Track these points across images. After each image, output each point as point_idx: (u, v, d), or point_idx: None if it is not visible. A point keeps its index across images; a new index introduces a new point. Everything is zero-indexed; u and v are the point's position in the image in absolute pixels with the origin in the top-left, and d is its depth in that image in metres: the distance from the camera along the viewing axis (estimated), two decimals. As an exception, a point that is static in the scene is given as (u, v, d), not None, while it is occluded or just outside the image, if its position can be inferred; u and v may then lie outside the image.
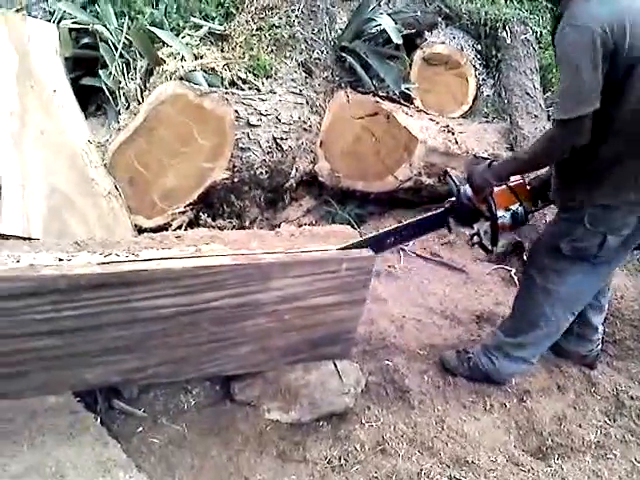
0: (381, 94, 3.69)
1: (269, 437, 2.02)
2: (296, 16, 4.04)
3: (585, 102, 1.77)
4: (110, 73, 3.54)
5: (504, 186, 2.12)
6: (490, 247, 2.14)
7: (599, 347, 2.51)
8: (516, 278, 3.11)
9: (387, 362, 2.38)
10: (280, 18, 3.92)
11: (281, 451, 1.99)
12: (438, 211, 2.24)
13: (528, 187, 2.19)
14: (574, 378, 2.44)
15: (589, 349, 2.49)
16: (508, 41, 4.44)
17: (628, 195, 1.94)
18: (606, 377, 2.44)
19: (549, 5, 5.71)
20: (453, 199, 2.18)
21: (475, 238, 2.18)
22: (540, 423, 2.19)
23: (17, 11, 3.74)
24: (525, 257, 2.95)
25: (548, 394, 2.34)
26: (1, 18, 3.45)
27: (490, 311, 2.81)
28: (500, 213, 2.08)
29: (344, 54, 4.10)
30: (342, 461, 1.97)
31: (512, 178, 2.13)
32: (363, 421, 2.13)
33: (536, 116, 3.72)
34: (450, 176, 2.23)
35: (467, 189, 2.12)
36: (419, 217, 2.28)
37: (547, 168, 2.24)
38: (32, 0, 3.97)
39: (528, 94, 3.90)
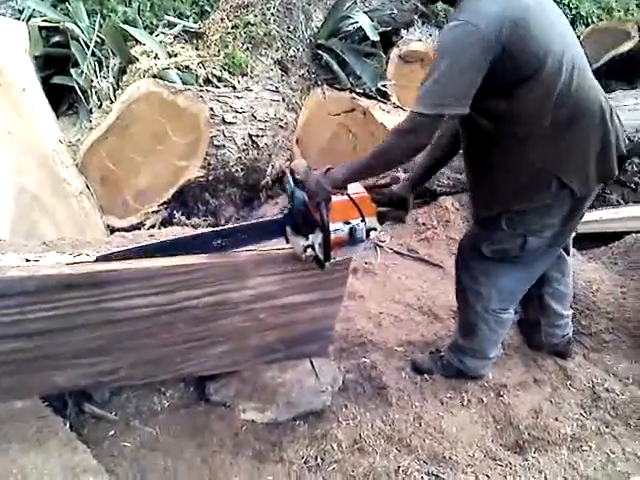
0: (358, 91, 3.67)
1: (245, 438, 1.99)
2: (272, 14, 4.02)
3: (451, 104, 1.67)
4: (82, 72, 3.49)
5: (346, 197, 1.86)
6: (323, 262, 1.86)
7: (569, 332, 2.50)
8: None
9: (364, 359, 2.35)
10: (255, 16, 3.90)
11: (257, 452, 1.95)
12: (274, 217, 2.05)
13: (373, 204, 1.92)
14: (550, 372, 2.44)
15: (560, 336, 2.48)
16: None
17: (543, 199, 1.89)
18: (582, 370, 2.44)
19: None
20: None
21: (309, 250, 1.87)
22: (517, 417, 2.18)
23: (-15, 9, 3.67)
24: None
25: (525, 388, 2.33)
26: (-32, 16, 3.38)
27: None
28: (337, 226, 1.82)
29: (320, 51, 4.10)
30: (319, 460, 1.94)
31: (355, 190, 1.89)
32: (340, 419, 2.10)
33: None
34: (289, 177, 1.94)
35: (303, 194, 1.85)
36: (253, 221, 2.09)
37: (401, 183, 2.12)
38: (0, -2, 3.90)
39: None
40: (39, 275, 1.64)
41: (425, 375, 2.34)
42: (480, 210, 2.08)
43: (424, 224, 3.37)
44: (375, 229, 1.91)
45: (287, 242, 1.94)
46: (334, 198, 1.83)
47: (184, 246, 1.86)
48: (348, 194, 1.86)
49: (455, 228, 3.34)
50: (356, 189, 1.90)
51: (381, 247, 3.21)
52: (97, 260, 1.74)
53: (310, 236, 1.85)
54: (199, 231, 2.04)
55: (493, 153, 1.90)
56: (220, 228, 2.05)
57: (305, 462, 1.93)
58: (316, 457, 1.95)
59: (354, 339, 2.47)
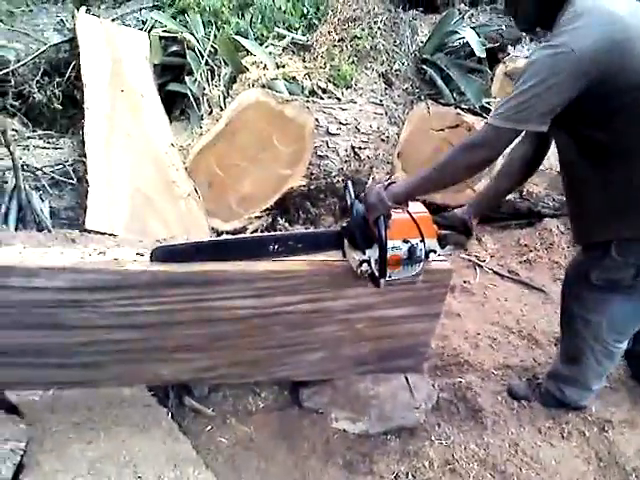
0: (463, 107, 3.62)
1: (336, 446, 2.00)
2: (378, 28, 4.05)
3: (527, 120, 1.60)
4: (195, 80, 3.65)
5: (407, 215, 1.81)
6: (378, 278, 1.80)
7: None
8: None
9: (460, 379, 2.30)
10: (362, 29, 3.94)
11: (347, 462, 1.95)
12: (332, 229, 1.98)
13: (434, 225, 1.88)
14: (660, 411, 2.29)
15: None
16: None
17: None
18: (697, 413, 2.27)
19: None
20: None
21: (365, 265, 1.80)
22: (623, 456, 2.06)
23: (113, 20, 3.93)
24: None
25: (632, 426, 2.19)
26: (99, 26, 3.64)
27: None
28: (396, 243, 1.77)
29: (425, 66, 4.07)
30: (409, 477, 1.91)
31: (417, 209, 1.84)
32: (433, 438, 2.06)
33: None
34: (349, 188, 1.91)
35: (362, 207, 1.81)
36: (311, 231, 2.04)
37: (464, 207, 2.04)
38: (127, 10, 4.16)
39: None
40: (153, 270, 1.73)
41: (522, 401, 2.26)
42: (588, 236, 1.96)
43: (526, 246, 3.27)
44: (435, 251, 1.86)
45: (343, 255, 1.90)
46: (395, 215, 1.78)
47: (242, 247, 1.87)
48: (409, 212, 1.82)
49: (559, 252, 3.22)
50: (418, 208, 1.85)
51: (481, 267, 3.14)
52: (156, 249, 1.77)
53: (367, 251, 1.80)
54: (258, 235, 2.04)
55: (595, 181, 1.80)
56: (279, 234, 2.04)
57: (395, 477, 1.91)
58: (407, 473, 1.92)
59: (450, 358, 2.43)
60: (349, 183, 1.94)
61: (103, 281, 1.69)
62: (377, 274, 1.79)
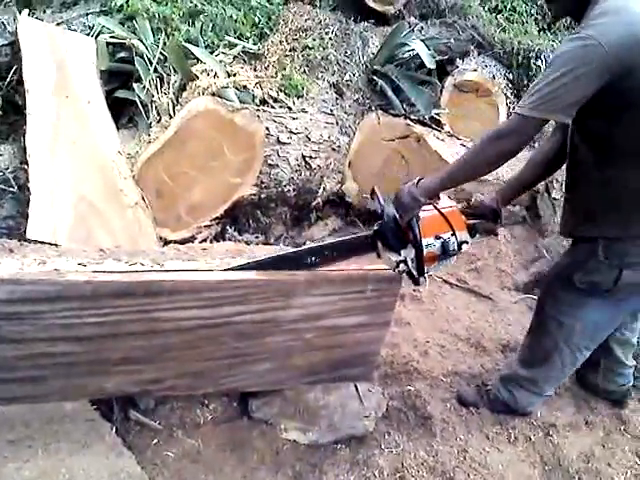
0: (412, 117, 3.67)
1: (285, 457, 1.98)
2: (330, 38, 4.09)
3: (554, 110, 1.64)
4: (144, 87, 3.58)
5: (435, 211, 1.89)
6: (417, 276, 1.88)
7: (629, 383, 2.41)
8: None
9: (409, 387, 2.32)
10: (314, 40, 3.97)
11: (297, 472, 1.94)
12: (365, 233, 2.04)
13: (463, 217, 1.95)
14: (603, 415, 2.35)
15: (618, 385, 2.39)
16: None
17: (637, 228, 1.82)
18: (637, 415, 2.34)
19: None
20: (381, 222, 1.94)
21: (402, 266, 1.89)
22: (567, 459, 2.11)
23: (58, 24, 3.82)
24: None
25: (575, 430, 2.26)
26: (43, 31, 3.53)
27: (517, 341, 2.72)
28: (429, 241, 1.84)
29: (375, 77, 4.12)
30: (359, 486, 1.91)
31: (445, 204, 1.91)
32: (383, 446, 2.07)
33: (569, 145, 3.66)
34: (376, 194, 1.98)
35: (392, 210, 1.88)
36: (344, 237, 2.10)
37: (492, 194, 2.11)
38: (73, 14, 4.06)
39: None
40: (96, 280, 1.68)
41: (471, 408, 2.29)
42: (575, 227, 2.00)
43: (474, 255, 3.32)
44: (467, 242, 1.93)
45: (378, 257, 1.96)
46: (424, 214, 1.84)
47: (279, 263, 1.91)
48: (437, 208, 1.88)
49: (506, 260, 3.29)
50: (445, 203, 1.92)
51: (430, 275, 3.16)
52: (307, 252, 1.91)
53: (402, 251, 1.88)
54: (293, 249, 2.08)
55: (593, 173, 1.84)
56: (313, 245, 2.09)
57: (345, 487, 1.90)
58: (357, 483, 1.92)
59: (399, 366, 2.44)
60: (376, 188, 2.00)
61: (43, 292, 1.62)
62: (415, 274, 1.87)
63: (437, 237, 1.85)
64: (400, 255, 1.88)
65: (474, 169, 1.82)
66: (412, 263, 1.86)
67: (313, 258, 1.91)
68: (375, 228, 1.96)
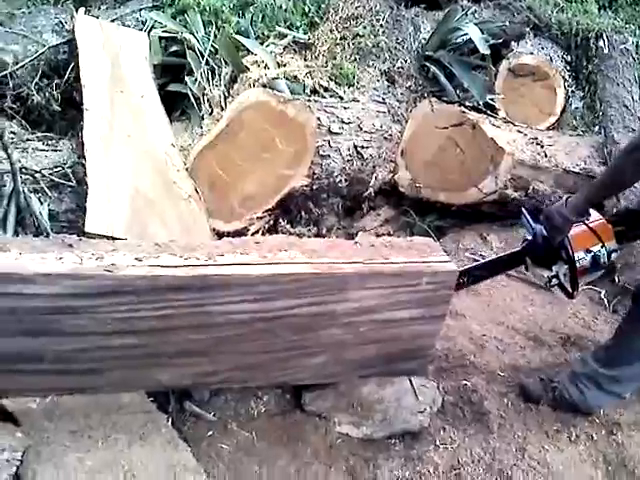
0: (467, 104, 3.58)
1: (339, 451, 1.96)
2: (380, 25, 4.03)
3: None
4: (196, 80, 3.62)
5: (583, 226, 1.97)
6: (571, 291, 2.02)
7: None
8: (606, 300, 2.92)
9: (465, 382, 2.26)
10: (364, 27, 3.92)
11: (351, 467, 1.92)
12: (515, 250, 2.16)
13: (610, 226, 2.02)
14: (671, 413, 2.25)
15: None
16: (605, 51, 4.21)
17: None
18: None
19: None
20: (529, 237, 2.08)
21: (554, 280, 2.04)
22: (632, 460, 2.02)
23: (112, 21, 3.90)
24: (618, 279, 2.78)
25: (640, 428, 2.17)
26: (98, 27, 3.61)
27: (577, 334, 2.64)
28: (580, 255, 1.96)
29: (428, 63, 4.04)
30: (414, 482, 1.88)
31: (592, 217, 1.98)
32: (438, 442, 2.03)
33: (634, 130, 3.49)
34: (525, 215, 2.11)
35: (541, 228, 2.00)
36: (495, 256, 2.26)
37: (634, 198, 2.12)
38: (126, 10, 4.13)
39: (626, 106, 3.68)
40: (151, 275, 1.70)
41: (529, 404, 2.22)
42: None
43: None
44: (616, 251, 2.03)
45: (526, 270, 2.25)
46: (573, 229, 1.94)
47: None
48: (585, 223, 1.97)
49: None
50: (592, 217, 2.00)
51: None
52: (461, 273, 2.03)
53: (553, 267, 2.03)
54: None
55: None
56: (468, 267, 2.20)
57: (399, 482, 1.88)
58: (411, 479, 1.89)
59: (455, 360, 2.38)
60: (524, 210, 2.15)
61: (100, 287, 1.65)
62: (569, 288, 2.03)
63: (588, 251, 1.97)
64: (552, 271, 2.03)
65: (617, 183, 1.93)
66: (564, 277, 2.01)
67: (466, 279, 2.10)
68: (524, 244, 2.13)
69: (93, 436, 1.72)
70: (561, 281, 2.02)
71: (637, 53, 4.49)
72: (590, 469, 2.01)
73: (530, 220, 2.07)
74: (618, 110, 3.68)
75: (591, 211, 1.98)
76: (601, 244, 1.97)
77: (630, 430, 2.16)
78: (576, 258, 1.95)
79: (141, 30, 3.91)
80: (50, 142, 3.11)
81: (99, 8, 4.18)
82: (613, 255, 2.00)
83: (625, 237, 2.12)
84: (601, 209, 2.18)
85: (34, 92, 3.43)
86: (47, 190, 2.76)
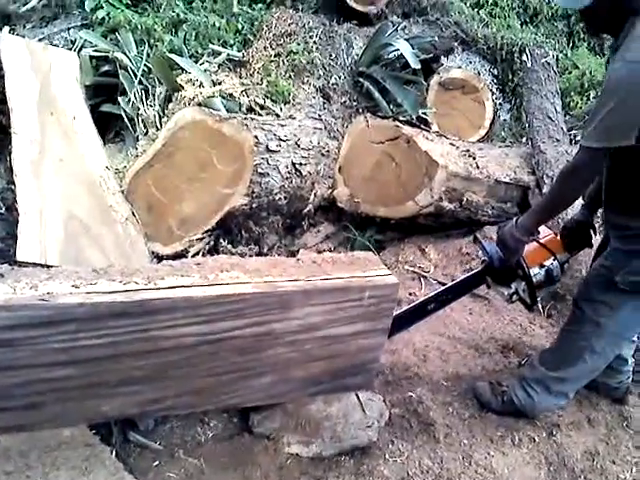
0: (401, 119, 3.66)
1: (290, 472, 1.96)
2: (314, 42, 4.08)
3: (618, 138, 1.73)
4: (129, 100, 3.55)
5: (535, 243, 2.12)
6: (531, 304, 2.18)
7: (629, 379, 2.42)
8: (540, 306, 3.03)
9: (411, 394, 2.30)
10: (298, 44, 3.96)
11: (303, 487, 1.92)
12: (475, 272, 2.30)
13: (559, 238, 2.22)
14: (605, 411, 2.35)
15: (618, 381, 2.40)
16: (529, 64, 4.41)
17: None
18: (639, 411, 2.34)
19: (565, 30, 5.77)
20: (487, 259, 2.22)
21: (514, 297, 2.18)
22: (571, 459, 2.11)
23: (40, 40, 3.79)
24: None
25: (578, 428, 2.26)
26: (24, 47, 3.50)
27: (516, 340, 2.73)
28: (535, 271, 2.11)
29: (361, 79, 4.12)
30: (366, 498, 1.89)
31: (542, 234, 2.13)
32: (387, 456, 2.05)
33: (558, 140, 3.66)
34: (480, 241, 2.26)
35: (497, 250, 2.12)
36: (457, 280, 2.37)
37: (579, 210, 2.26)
38: (54, 29, 4.02)
39: (550, 117, 3.85)
40: (91, 302, 1.65)
41: (474, 410, 2.28)
42: (619, 226, 2.02)
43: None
44: (567, 261, 2.25)
45: (488, 288, 2.32)
46: (525, 248, 2.05)
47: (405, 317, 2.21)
48: (536, 239, 2.11)
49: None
50: (542, 232, 2.15)
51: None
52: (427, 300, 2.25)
53: (512, 285, 2.17)
54: (416, 302, 2.33)
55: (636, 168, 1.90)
56: (435, 294, 2.31)
57: (351, 499, 1.88)
58: (363, 495, 1.90)
59: (399, 372, 2.43)
60: (478, 235, 2.44)
61: (37, 317, 1.59)
62: (529, 302, 2.18)
63: (542, 266, 2.13)
64: (511, 288, 2.17)
65: (561, 204, 2.01)
66: (524, 293, 2.15)
67: (433, 305, 2.24)
68: (482, 266, 2.26)
69: (31, 476, 1.65)
70: (521, 296, 2.17)
71: (557, 66, 4.71)
72: (533, 470, 2.08)
73: (486, 246, 2.19)
74: (543, 121, 3.84)
75: (541, 227, 2.11)
76: (553, 257, 2.14)
77: (569, 430, 2.25)
78: (532, 273, 2.10)
79: (70, 49, 3.81)
80: (-24, 168, 2.99)
81: (24, 27, 4.04)
82: (565, 265, 2.17)
83: (574, 246, 2.29)
84: (595, 212, 2.33)
85: (-44, 116, 3.29)
86: (-25, 218, 2.64)
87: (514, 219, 2.07)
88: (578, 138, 2.02)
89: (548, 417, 2.27)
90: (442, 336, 2.73)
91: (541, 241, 2.15)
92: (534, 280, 2.11)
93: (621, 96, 1.71)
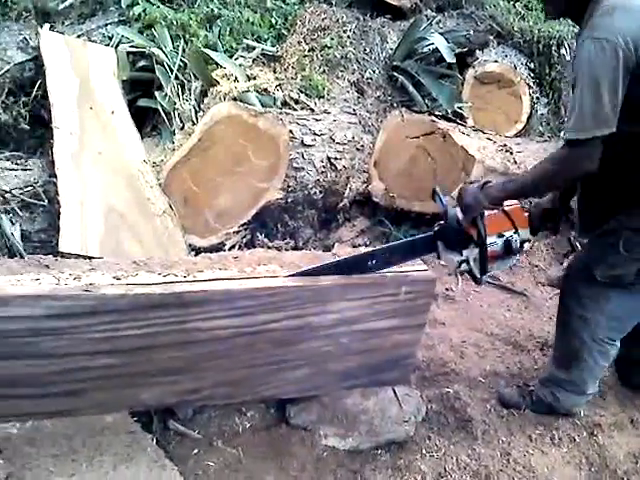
0: (437, 113, 3.63)
1: (326, 464, 1.96)
2: (348, 37, 4.06)
3: (604, 123, 1.63)
4: (165, 94, 3.59)
5: (498, 210, 1.90)
6: (479, 276, 1.90)
7: None
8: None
9: (448, 389, 2.28)
10: (332, 39, 3.95)
11: (338, 479, 1.92)
12: (426, 234, 2.03)
13: (526, 213, 1.97)
14: (649, 412, 2.30)
15: None
16: (567, 58, 4.32)
17: None
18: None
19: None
20: (442, 222, 1.97)
21: (464, 265, 1.90)
22: (614, 460, 2.05)
23: (78, 37, 3.85)
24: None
25: (621, 429, 2.20)
26: (64, 43, 3.56)
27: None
28: (491, 239, 1.86)
29: (396, 73, 4.09)
30: (402, 492, 1.89)
31: (508, 202, 1.92)
32: (424, 451, 2.04)
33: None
34: (438, 195, 1.99)
35: (456, 211, 1.91)
36: (404, 240, 2.15)
37: (549, 195, 2.10)
38: (92, 26, 4.09)
39: (589, 112, 3.77)
40: (131, 294, 1.68)
41: (512, 409, 2.25)
42: (598, 224, 1.96)
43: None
44: (529, 240, 1.96)
45: (439, 258, 1.99)
46: (487, 212, 1.86)
47: (340, 268, 1.91)
48: (501, 206, 1.90)
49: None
50: (508, 201, 1.92)
51: (462, 273, 3.12)
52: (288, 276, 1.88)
53: (464, 252, 1.90)
54: (354, 254, 2.07)
55: (615, 166, 1.81)
56: (374, 249, 2.07)
57: (388, 493, 1.88)
58: (399, 488, 1.90)
59: (436, 368, 2.41)
60: (437, 188, 2.01)
61: (80, 307, 1.63)
62: (478, 273, 1.89)
63: (500, 235, 1.88)
64: (462, 255, 1.90)
65: (540, 189, 1.92)
66: (474, 263, 1.88)
67: (374, 261, 1.92)
68: (436, 229, 1.98)
69: (77, 459, 1.69)
70: (471, 266, 1.89)
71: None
72: (574, 471, 2.03)
73: (443, 199, 1.96)
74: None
75: None
76: (514, 230, 1.89)
77: (610, 431, 2.20)
78: (488, 241, 1.86)
79: (108, 45, 3.86)
80: (19, 161, 3.05)
81: (63, 23, 4.11)
82: (525, 245, 1.93)
83: (539, 229, 2.09)
84: (567, 202, 2.15)
85: (0, 111, 3.37)
86: (18, 210, 2.71)
87: (481, 181, 1.94)
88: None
89: (589, 417, 2.23)
90: (479, 332, 2.71)
91: (506, 209, 1.90)
92: (489, 248, 1.86)
93: (596, 77, 1.61)
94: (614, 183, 1.84)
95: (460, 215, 1.90)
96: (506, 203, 1.91)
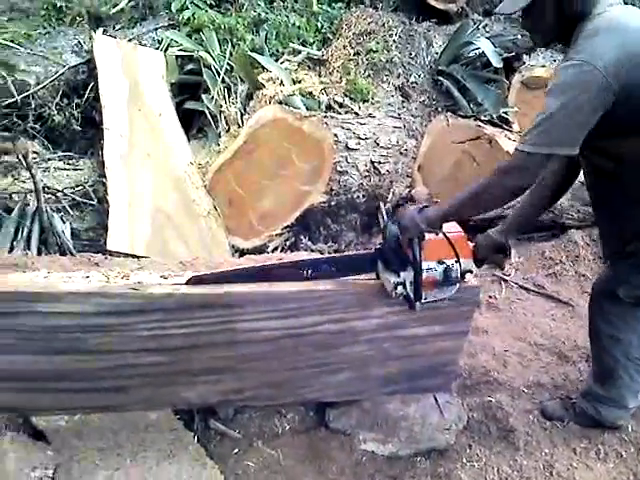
0: (483, 118, 3.59)
1: (365, 469, 1.95)
2: (393, 41, 4.05)
3: (560, 144, 1.58)
4: (212, 97, 3.65)
5: (441, 235, 1.79)
6: (413, 301, 1.77)
7: None
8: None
9: (490, 398, 2.24)
10: (377, 43, 3.95)
11: (377, 485, 1.91)
12: (367, 252, 1.94)
13: (472, 244, 1.89)
14: (700, 430, 2.21)
15: None
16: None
17: None
18: None
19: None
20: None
21: (399, 288, 1.77)
22: (662, 477, 1.99)
23: (130, 40, 3.95)
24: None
25: (670, 445, 2.13)
26: (116, 47, 3.66)
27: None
28: (430, 265, 1.75)
29: (441, 78, 4.05)
30: (441, 501, 1.87)
31: (451, 228, 1.81)
32: (464, 460, 2.00)
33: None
34: (380, 211, 1.97)
35: (396, 229, 1.80)
36: (346, 254, 2.08)
37: (498, 227, 2.03)
38: (143, 30, 4.19)
39: (641, 118, 3.67)
40: (178, 293, 1.71)
41: (554, 421, 2.20)
42: (617, 244, 1.91)
43: (552, 258, 3.20)
44: (471, 271, 1.84)
45: (377, 278, 1.87)
46: (429, 236, 1.75)
47: (273, 274, 1.84)
48: (444, 233, 1.79)
49: (585, 264, 3.16)
50: (453, 228, 1.82)
51: (506, 281, 3.08)
52: (190, 280, 1.76)
53: (402, 273, 1.77)
54: (291, 260, 2.03)
55: (617, 191, 1.79)
56: (313, 258, 2.02)
57: (427, 501, 1.86)
58: (438, 497, 1.88)
59: (478, 376, 2.36)
60: (382, 205, 1.94)
61: (128, 305, 1.67)
62: (412, 297, 1.76)
63: (440, 262, 1.77)
64: (399, 277, 1.77)
65: (478, 206, 1.79)
66: (410, 286, 1.76)
67: (310, 271, 1.85)
68: (377, 247, 1.90)
69: (122, 454, 1.73)
70: (406, 289, 1.77)
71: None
72: (620, 487, 1.98)
73: (385, 217, 1.90)
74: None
75: (452, 223, 1.84)
76: (456, 259, 1.79)
77: (660, 447, 2.13)
78: (425, 266, 1.75)
79: (157, 49, 3.96)
80: (71, 161, 3.16)
81: (114, 28, 4.23)
82: (467, 275, 1.83)
83: (483, 262, 2.01)
84: (515, 236, 2.07)
85: (55, 112, 3.48)
86: (69, 209, 2.79)
87: (421, 205, 1.82)
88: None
89: (637, 432, 2.15)
90: (523, 341, 2.65)
91: (449, 236, 1.80)
92: (426, 274, 1.74)
93: (569, 100, 1.55)
94: (634, 205, 1.79)
95: (398, 234, 1.80)
96: (451, 230, 1.81)
